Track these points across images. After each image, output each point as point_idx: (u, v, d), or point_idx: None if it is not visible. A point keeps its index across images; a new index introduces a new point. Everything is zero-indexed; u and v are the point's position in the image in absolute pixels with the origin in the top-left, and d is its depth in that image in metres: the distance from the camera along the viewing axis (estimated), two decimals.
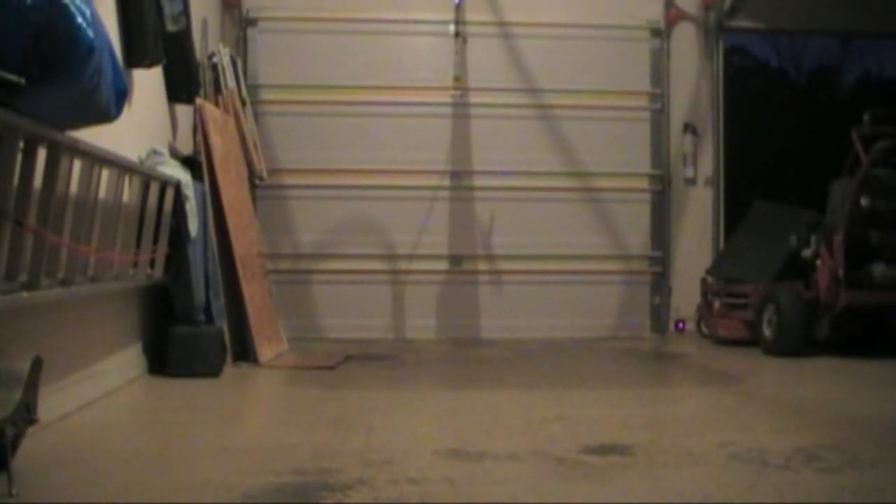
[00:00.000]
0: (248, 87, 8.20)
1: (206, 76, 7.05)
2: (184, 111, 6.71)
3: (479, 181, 8.84)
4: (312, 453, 3.53)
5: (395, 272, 8.74)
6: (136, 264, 4.90)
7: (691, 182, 9.10)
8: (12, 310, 3.51)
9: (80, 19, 3.17)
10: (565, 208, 8.86)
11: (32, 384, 3.08)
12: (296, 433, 4.09)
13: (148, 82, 5.79)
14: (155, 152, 5.55)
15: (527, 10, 8.92)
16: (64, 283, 3.84)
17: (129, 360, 5.40)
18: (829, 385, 5.93)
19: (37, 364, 3.10)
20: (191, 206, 5.66)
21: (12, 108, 3.04)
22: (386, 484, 3.04)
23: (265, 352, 6.47)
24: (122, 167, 4.48)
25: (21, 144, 3.22)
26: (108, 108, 3.62)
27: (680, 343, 8.41)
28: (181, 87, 6.41)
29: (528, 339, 8.35)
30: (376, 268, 8.71)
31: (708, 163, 9.14)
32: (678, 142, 9.05)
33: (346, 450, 3.61)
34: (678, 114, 9.05)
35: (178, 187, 5.48)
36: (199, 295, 5.82)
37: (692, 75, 9.11)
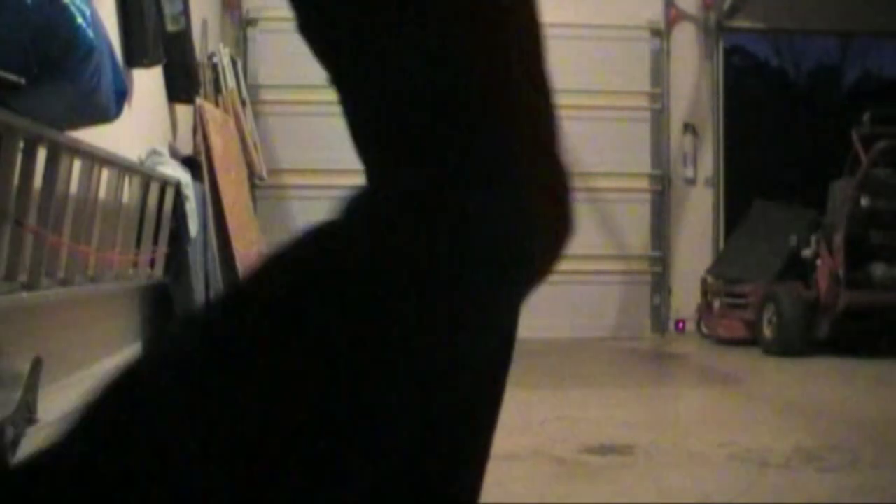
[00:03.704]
0: (248, 87, 8.20)
1: (206, 76, 7.05)
2: (184, 111, 6.70)
3: None
4: None
5: None
6: (136, 264, 4.90)
7: (691, 182, 9.10)
8: (12, 310, 3.51)
9: (80, 19, 3.17)
10: None
11: (32, 384, 3.08)
12: None
13: (148, 82, 5.78)
14: (155, 152, 5.54)
15: None
16: (64, 283, 3.83)
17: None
18: (828, 385, 5.92)
19: (37, 364, 3.10)
20: (191, 206, 5.65)
21: (12, 108, 3.03)
22: None
23: None
24: (122, 167, 4.48)
25: (21, 144, 3.22)
26: (108, 108, 3.62)
27: (680, 343, 8.41)
28: (181, 87, 6.40)
29: (528, 339, 8.26)
30: None
31: (708, 163, 9.14)
32: (678, 142, 9.05)
33: None
34: (678, 114, 9.04)
35: (178, 187, 5.48)
36: (199, 295, 5.81)
37: (692, 75, 9.10)
